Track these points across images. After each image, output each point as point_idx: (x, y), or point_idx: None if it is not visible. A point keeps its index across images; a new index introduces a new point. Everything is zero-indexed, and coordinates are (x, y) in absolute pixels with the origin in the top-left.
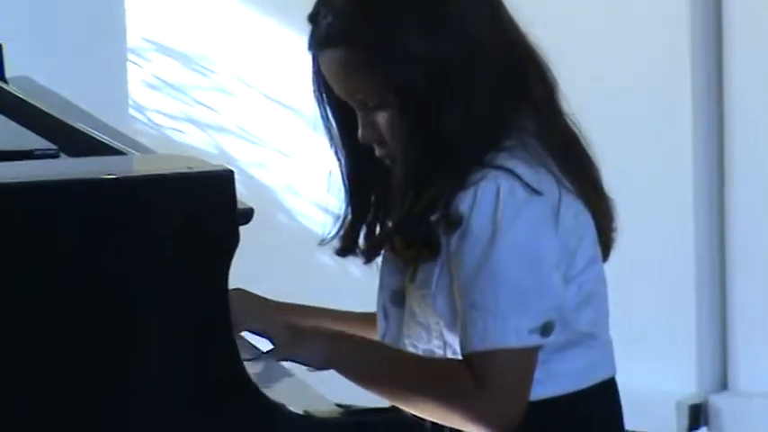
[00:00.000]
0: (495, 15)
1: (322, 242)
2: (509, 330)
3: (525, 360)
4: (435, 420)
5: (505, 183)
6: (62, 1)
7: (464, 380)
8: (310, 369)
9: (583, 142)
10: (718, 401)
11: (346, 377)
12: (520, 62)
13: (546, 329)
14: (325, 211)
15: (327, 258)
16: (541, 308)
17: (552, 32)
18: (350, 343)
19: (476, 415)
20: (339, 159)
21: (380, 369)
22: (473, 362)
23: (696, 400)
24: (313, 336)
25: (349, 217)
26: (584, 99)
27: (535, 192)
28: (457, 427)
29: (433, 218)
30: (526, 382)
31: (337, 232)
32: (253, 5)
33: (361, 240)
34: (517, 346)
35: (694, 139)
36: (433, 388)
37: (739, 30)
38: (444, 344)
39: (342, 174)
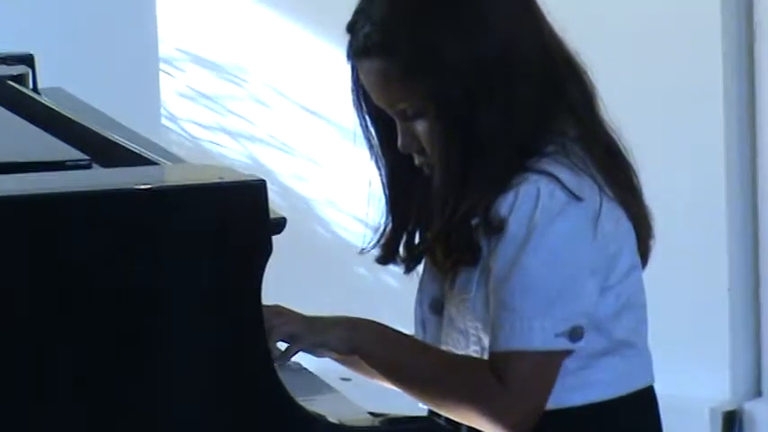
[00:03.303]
0: (531, 20)
1: (362, 251)
2: (534, 332)
3: (548, 364)
4: (452, 416)
5: (546, 186)
6: (94, 12)
7: (485, 377)
8: (336, 358)
9: (622, 148)
10: (753, 408)
11: (369, 363)
12: (556, 66)
13: (574, 334)
14: (363, 222)
15: (364, 270)
16: (569, 313)
17: (579, 28)
18: (373, 327)
19: (492, 413)
20: (379, 168)
21: (403, 357)
22: (496, 361)
23: (730, 407)
24: (335, 323)
25: (390, 226)
26: (613, 98)
27: (576, 197)
28: (473, 424)
29: (473, 222)
30: (547, 385)
31: (378, 241)
32: (287, 15)
33: (401, 249)
34: (542, 349)
35: (727, 137)
36: (453, 382)
37: None
38: (482, 349)
39: (382, 183)
